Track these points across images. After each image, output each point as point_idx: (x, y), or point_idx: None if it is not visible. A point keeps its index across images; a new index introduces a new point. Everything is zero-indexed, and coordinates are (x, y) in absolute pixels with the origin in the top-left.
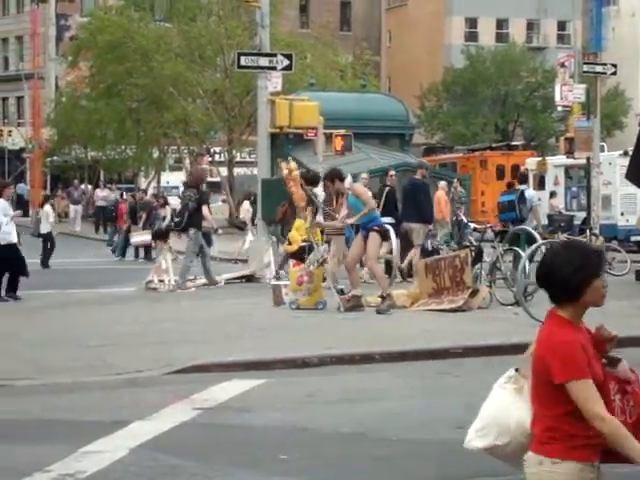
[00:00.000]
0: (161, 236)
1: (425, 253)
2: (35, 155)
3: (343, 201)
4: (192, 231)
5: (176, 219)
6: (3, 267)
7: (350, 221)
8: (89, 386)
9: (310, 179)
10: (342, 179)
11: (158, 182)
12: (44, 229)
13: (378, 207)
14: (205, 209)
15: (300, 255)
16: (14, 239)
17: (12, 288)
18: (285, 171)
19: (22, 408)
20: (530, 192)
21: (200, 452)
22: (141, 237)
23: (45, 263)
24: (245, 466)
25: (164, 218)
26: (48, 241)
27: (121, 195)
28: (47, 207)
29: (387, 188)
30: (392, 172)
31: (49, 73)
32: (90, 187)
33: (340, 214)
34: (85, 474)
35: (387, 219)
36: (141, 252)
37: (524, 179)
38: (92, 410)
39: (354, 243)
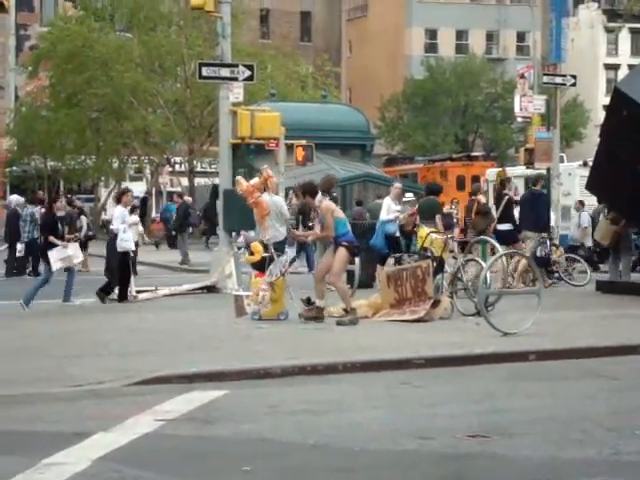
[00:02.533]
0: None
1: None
2: None
3: (315, 214)
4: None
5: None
6: (120, 274)
7: (310, 239)
8: (50, 397)
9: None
10: (313, 194)
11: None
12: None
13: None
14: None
15: (262, 266)
16: (132, 247)
17: (123, 296)
18: (244, 185)
19: None
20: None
21: (163, 464)
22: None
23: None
24: (208, 478)
25: (81, 228)
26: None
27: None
28: None
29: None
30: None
31: (8, 83)
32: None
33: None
34: None
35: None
36: None
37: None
38: (53, 421)
39: (326, 254)
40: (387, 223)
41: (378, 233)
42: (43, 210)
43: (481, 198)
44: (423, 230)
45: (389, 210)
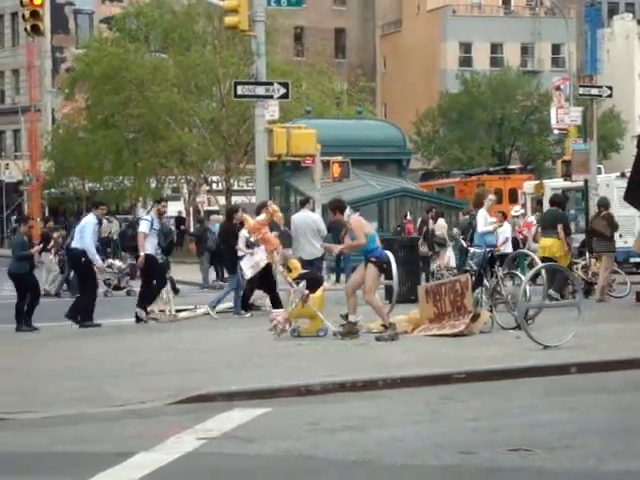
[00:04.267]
0: None
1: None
2: (33, 188)
3: (345, 230)
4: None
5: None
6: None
7: (336, 250)
8: (92, 418)
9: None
10: (342, 210)
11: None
12: None
13: None
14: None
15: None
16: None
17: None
18: (250, 223)
19: (25, 441)
20: (479, 214)
21: None
22: None
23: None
24: None
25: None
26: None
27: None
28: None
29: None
30: None
31: (46, 105)
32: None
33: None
34: None
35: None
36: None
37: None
38: (96, 442)
39: (357, 270)
40: (486, 235)
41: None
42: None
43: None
44: (545, 240)
45: (486, 222)
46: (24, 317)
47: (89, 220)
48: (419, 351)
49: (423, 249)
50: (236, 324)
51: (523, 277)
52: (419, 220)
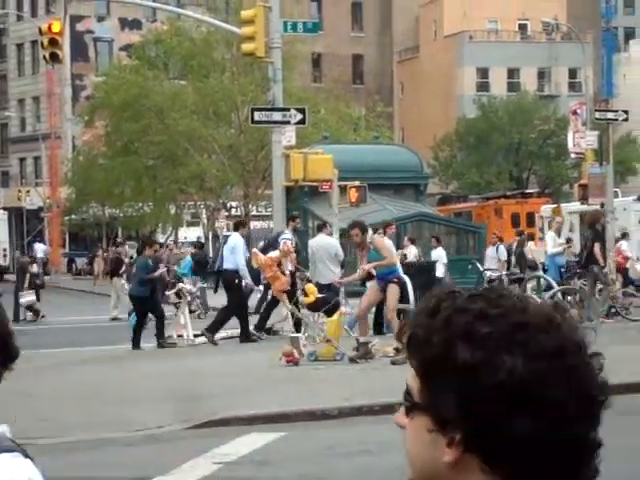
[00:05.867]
0: None
1: None
2: (53, 214)
3: (364, 254)
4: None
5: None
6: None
7: (367, 267)
8: (110, 443)
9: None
10: (366, 231)
11: (175, 237)
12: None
13: None
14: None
15: (317, 307)
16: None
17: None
18: (262, 259)
19: (43, 467)
20: (548, 237)
21: None
22: None
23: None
24: None
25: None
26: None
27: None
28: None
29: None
30: None
31: (66, 133)
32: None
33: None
34: None
35: None
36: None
37: None
38: (114, 467)
39: (368, 291)
40: (556, 256)
41: (550, 267)
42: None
43: None
44: None
45: (555, 243)
46: (156, 336)
47: (238, 240)
48: None
49: (516, 270)
50: (253, 348)
51: (538, 300)
52: (514, 243)
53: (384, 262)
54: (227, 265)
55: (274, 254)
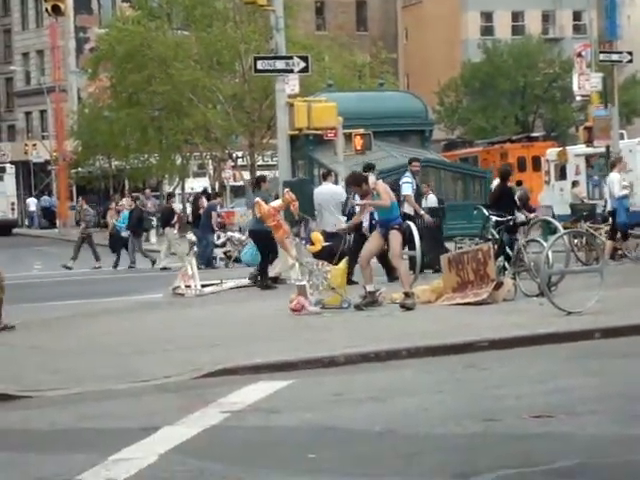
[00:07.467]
0: None
1: None
2: (60, 167)
3: (369, 198)
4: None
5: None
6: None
7: (361, 202)
8: (118, 394)
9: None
10: (367, 181)
11: (182, 188)
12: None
13: None
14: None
15: (323, 255)
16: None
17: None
18: (264, 208)
19: (52, 418)
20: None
21: (230, 455)
22: None
23: None
24: (274, 467)
25: None
26: None
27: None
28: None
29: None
30: None
31: (70, 86)
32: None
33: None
34: None
35: None
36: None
37: None
38: (121, 417)
39: (370, 239)
40: (624, 198)
41: (619, 210)
42: None
43: None
44: None
45: (621, 186)
46: (260, 275)
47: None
48: (442, 320)
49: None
50: (261, 298)
51: (545, 244)
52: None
53: (379, 202)
54: (257, 226)
55: (276, 203)
